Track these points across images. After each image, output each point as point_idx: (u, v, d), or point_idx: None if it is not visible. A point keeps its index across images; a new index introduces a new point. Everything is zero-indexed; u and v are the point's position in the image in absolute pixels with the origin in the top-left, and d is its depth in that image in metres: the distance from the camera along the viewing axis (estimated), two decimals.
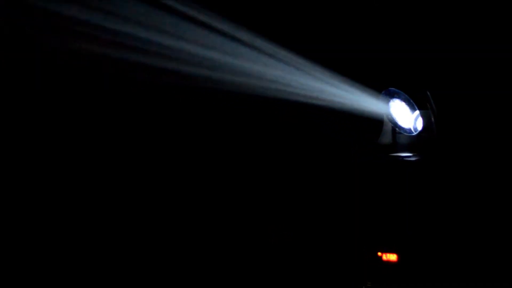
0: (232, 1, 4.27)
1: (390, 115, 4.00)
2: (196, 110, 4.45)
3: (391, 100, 3.98)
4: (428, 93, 3.88)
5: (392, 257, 3.89)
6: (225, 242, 4.39)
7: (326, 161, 4.41)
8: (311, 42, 4.30)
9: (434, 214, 3.82)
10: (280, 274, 4.26)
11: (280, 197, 4.43)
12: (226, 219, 4.43)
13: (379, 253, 3.92)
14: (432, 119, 3.88)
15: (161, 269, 4.29)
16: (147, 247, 4.32)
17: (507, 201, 3.72)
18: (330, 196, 4.32)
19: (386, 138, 4.09)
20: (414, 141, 3.99)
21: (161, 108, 4.41)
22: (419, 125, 3.94)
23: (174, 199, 4.42)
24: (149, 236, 4.35)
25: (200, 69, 4.24)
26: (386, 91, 3.98)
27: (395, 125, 4.02)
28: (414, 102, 3.93)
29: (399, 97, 3.96)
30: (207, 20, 4.19)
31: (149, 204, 4.39)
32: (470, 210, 3.77)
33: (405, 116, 3.97)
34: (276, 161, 4.50)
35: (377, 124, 4.09)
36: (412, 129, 3.97)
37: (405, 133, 4.00)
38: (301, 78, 4.24)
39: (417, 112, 3.94)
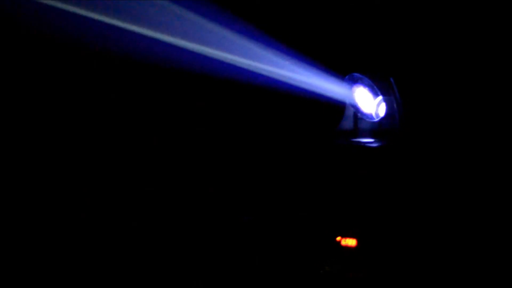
0: None
1: (352, 100, 4.00)
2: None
3: (354, 85, 3.97)
4: (392, 80, 3.89)
5: (351, 242, 3.90)
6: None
7: (285, 146, 4.38)
8: (272, 24, 4.24)
9: (394, 200, 3.85)
10: (237, 261, 4.23)
11: (238, 182, 4.39)
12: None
13: (338, 238, 3.92)
14: (395, 106, 3.89)
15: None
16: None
17: (469, 190, 3.77)
18: (288, 181, 4.29)
19: (348, 124, 4.09)
20: (376, 127, 4.00)
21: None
22: (381, 112, 3.95)
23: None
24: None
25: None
26: (350, 76, 3.97)
27: (356, 110, 4.01)
28: (377, 88, 3.93)
29: (362, 82, 3.95)
30: None
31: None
32: (430, 197, 3.81)
33: (367, 101, 3.97)
34: (232, 146, 4.45)
35: (339, 109, 4.08)
36: (374, 115, 3.97)
37: (367, 119, 4.00)
38: (261, 60, 4.19)
39: (380, 98, 3.94)
